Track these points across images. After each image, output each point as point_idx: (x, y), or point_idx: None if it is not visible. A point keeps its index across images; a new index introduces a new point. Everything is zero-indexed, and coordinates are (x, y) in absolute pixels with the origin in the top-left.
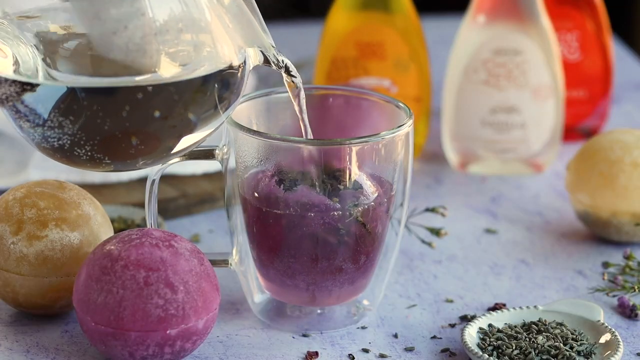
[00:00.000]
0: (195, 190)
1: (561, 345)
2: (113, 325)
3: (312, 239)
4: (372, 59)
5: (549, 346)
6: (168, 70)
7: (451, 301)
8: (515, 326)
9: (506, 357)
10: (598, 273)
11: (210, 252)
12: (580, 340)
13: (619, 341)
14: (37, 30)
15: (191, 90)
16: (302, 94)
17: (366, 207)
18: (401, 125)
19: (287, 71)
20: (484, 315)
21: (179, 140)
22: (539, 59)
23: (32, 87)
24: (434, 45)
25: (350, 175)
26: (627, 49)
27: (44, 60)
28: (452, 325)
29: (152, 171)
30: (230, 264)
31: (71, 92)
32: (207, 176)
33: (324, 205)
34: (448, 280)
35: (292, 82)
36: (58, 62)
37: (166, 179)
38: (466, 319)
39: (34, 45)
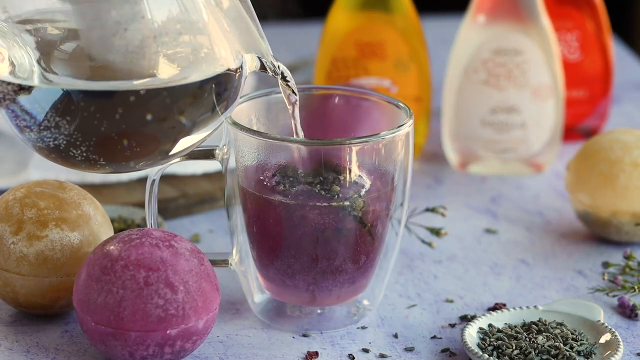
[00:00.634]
0: (195, 190)
1: (561, 345)
2: (113, 325)
3: (312, 239)
4: (372, 59)
5: (549, 346)
6: (165, 73)
7: (451, 301)
8: (515, 326)
9: (506, 357)
10: (598, 273)
11: (210, 252)
12: (581, 340)
13: (619, 341)
14: (34, 32)
15: (188, 94)
16: (297, 103)
17: (366, 207)
18: (401, 125)
19: (283, 78)
20: (484, 315)
21: (176, 143)
22: (539, 59)
23: (27, 89)
24: (434, 45)
25: (350, 175)
26: (627, 49)
27: (39, 62)
28: (452, 325)
29: (152, 171)
30: (230, 264)
31: (67, 95)
32: (207, 176)
33: (324, 205)
34: (448, 280)
35: (289, 86)
36: (54, 64)
37: (166, 179)
38: (466, 319)
39: (30, 47)
